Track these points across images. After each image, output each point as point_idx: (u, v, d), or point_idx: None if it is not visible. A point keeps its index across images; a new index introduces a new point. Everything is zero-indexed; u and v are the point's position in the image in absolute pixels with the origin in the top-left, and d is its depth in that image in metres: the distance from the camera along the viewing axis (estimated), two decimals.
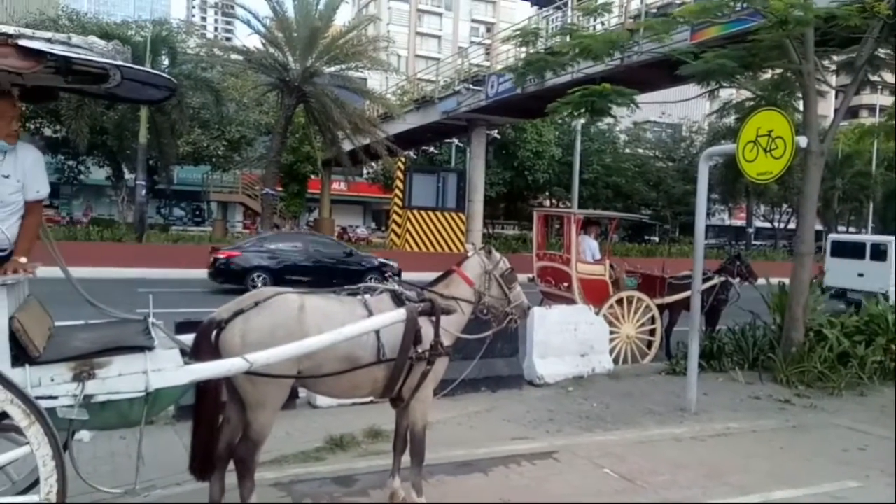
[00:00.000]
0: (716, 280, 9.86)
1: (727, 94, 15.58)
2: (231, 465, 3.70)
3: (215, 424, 3.64)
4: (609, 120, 15.73)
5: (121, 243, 19.90)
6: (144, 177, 22.58)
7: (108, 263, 16.06)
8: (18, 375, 2.81)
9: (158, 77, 3.73)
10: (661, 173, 40.83)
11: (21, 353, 2.91)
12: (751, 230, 44.74)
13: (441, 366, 4.11)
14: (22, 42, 2.77)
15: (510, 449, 5.49)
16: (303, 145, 32.98)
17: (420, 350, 3.92)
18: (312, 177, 36.31)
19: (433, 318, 3.99)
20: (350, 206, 50.84)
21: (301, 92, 23.48)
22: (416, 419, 4.09)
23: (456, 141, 33.60)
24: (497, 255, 4.52)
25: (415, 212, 27.10)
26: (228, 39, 52.29)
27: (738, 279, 10.09)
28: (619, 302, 9.25)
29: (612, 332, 8.79)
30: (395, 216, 29.33)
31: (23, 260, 3.11)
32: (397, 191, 29.43)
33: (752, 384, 8.11)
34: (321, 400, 6.25)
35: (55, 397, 2.92)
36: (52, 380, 2.95)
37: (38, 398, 2.77)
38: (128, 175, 29.22)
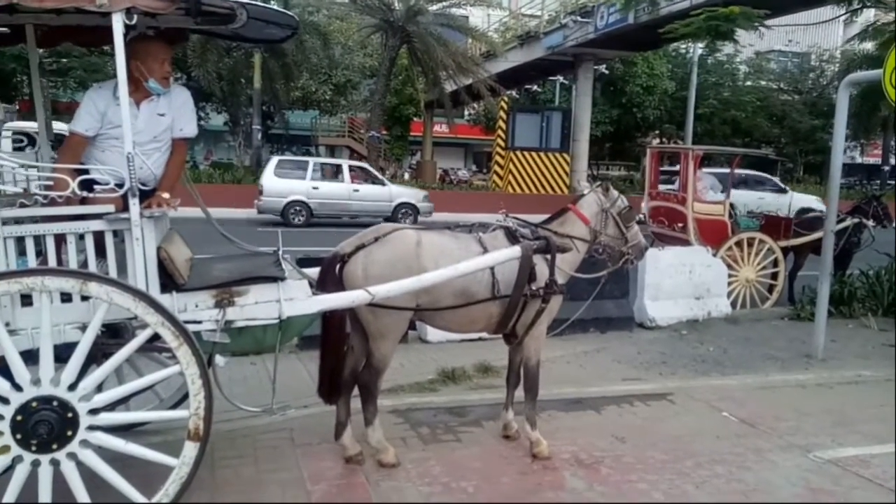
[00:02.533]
0: (849, 221, 9.11)
1: (866, 17, 13.92)
2: (355, 391, 3.89)
3: (340, 353, 3.82)
4: (729, 50, 14.56)
5: (239, 185, 20.97)
6: (259, 121, 23.50)
7: (229, 204, 17.05)
8: (167, 301, 3.03)
9: (282, 15, 3.79)
10: (786, 107, 37.62)
11: (168, 281, 3.14)
12: (886, 168, 40.74)
13: (555, 304, 4.08)
14: None
15: (622, 389, 5.43)
16: (405, 87, 32.98)
17: (534, 287, 3.90)
18: (415, 119, 36.40)
19: (548, 256, 3.94)
20: (451, 148, 50.70)
21: (405, 32, 23.36)
22: (530, 355, 4.11)
23: (560, 78, 32.38)
24: (615, 192, 4.37)
25: (518, 153, 26.62)
26: None
27: (872, 221, 9.27)
28: (739, 244, 8.77)
29: (730, 276, 8.38)
30: (497, 158, 28.95)
31: (166, 195, 3.32)
32: (500, 132, 28.94)
33: (885, 331, 7.53)
34: (431, 335, 6.43)
35: (199, 322, 3.14)
36: (197, 306, 3.17)
37: (185, 322, 2.98)
38: (243, 121, 30.54)
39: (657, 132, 38.10)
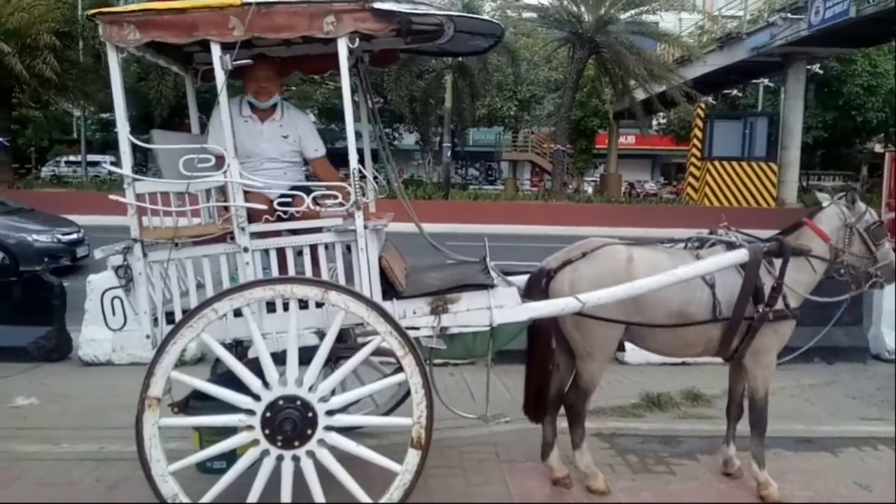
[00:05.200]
0: None
1: None
2: (561, 411, 3.77)
3: (547, 370, 3.72)
4: None
5: (429, 200, 21.93)
6: (450, 139, 24.42)
7: (420, 218, 17.84)
8: (388, 308, 3.12)
9: (487, 24, 3.82)
10: None
11: (388, 289, 3.25)
12: None
13: (787, 329, 3.64)
14: (377, 5, 2.99)
15: (862, 430, 4.73)
16: (591, 99, 32.41)
17: (762, 309, 3.51)
18: (600, 131, 35.62)
19: (777, 276, 3.53)
20: (637, 160, 48.82)
21: (593, 43, 22.97)
22: (756, 386, 3.70)
23: (765, 81, 29.78)
24: (861, 205, 3.81)
25: (716, 163, 24.80)
26: None
27: None
28: None
29: None
30: (692, 168, 27.25)
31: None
32: (695, 141, 27.22)
33: None
34: (630, 356, 6.09)
35: (417, 328, 3.22)
36: (414, 312, 3.25)
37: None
38: (433, 139, 31.96)
39: (882, 136, 33.58)
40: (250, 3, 2.89)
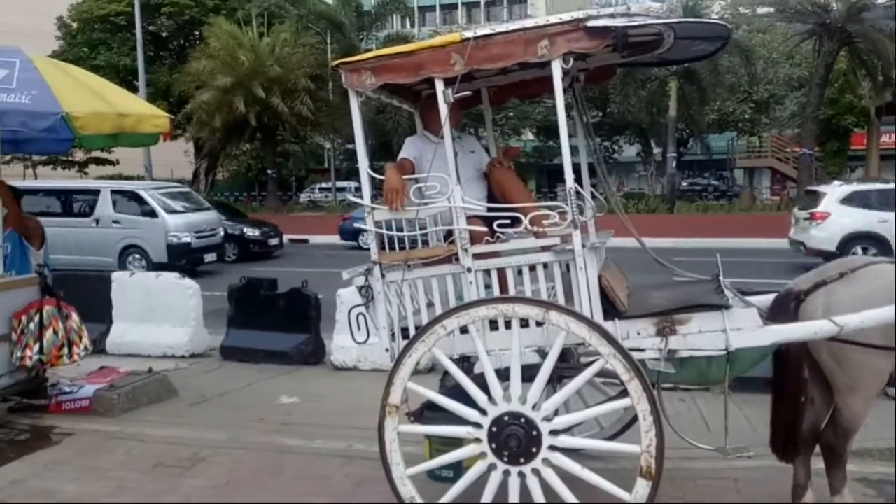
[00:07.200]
0: None
1: None
2: (817, 450, 3.35)
3: (798, 403, 3.33)
4: None
5: (653, 214, 21.00)
6: (674, 149, 23.25)
7: (643, 233, 17.13)
8: (609, 329, 3.05)
9: (711, 27, 3.58)
10: None
11: (610, 308, 3.17)
12: None
13: None
14: (590, 23, 2.94)
15: None
16: (843, 95, 28.60)
17: None
18: (856, 130, 31.22)
19: None
20: None
21: (844, 33, 20.36)
22: None
23: None
24: None
25: None
26: None
27: None
28: None
29: None
30: None
31: None
32: None
33: None
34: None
35: (642, 350, 3.09)
36: (638, 333, 3.12)
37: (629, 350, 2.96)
38: (655, 150, 30.62)
39: None
40: (469, 38, 3.05)
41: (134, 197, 14.10)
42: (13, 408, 5.06)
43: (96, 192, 14.13)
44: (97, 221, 13.68)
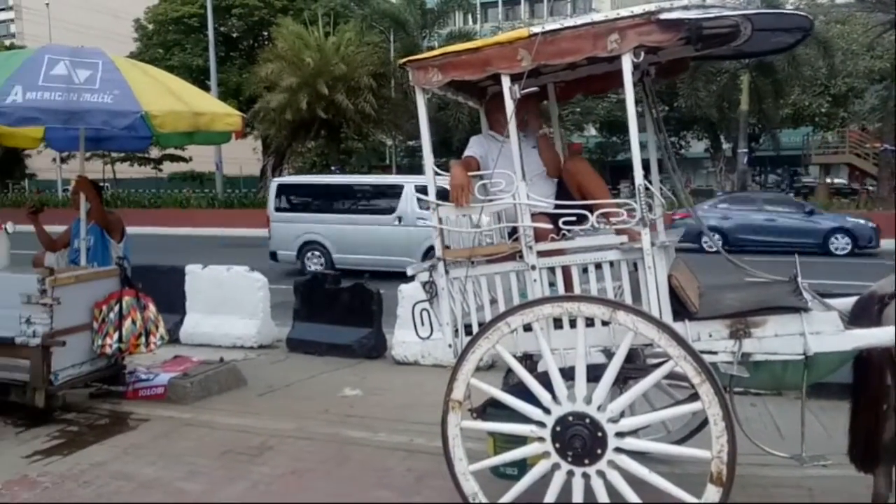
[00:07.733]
0: None
1: None
2: None
3: (879, 411, 3.17)
4: None
5: None
6: (745, 144, 22.46)
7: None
8: (679, 330, 2.96)
9: (791, 18, 3.43)
10: None
11: (680, 309, 3.08)
12: None
13: None
14: (663, 16, 2.86)
15: None
16: None
17: None
18: None
19: None
20: None
21: None
22: None
23: None
24: None
25: None
26: None
27: None
28: None
29: None
30: None
31: None
32: None
33: None
34: None
35: (714, 353, 3.00)
36: (710, 335, 3.03)
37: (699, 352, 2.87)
38: (725, 145, 29.61)
39: None
40: (537, 34, 3.01)
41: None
42: (94, 393, 5.31)
43: (399, 188, 12.50)
44: (399, 219, 12.16)
